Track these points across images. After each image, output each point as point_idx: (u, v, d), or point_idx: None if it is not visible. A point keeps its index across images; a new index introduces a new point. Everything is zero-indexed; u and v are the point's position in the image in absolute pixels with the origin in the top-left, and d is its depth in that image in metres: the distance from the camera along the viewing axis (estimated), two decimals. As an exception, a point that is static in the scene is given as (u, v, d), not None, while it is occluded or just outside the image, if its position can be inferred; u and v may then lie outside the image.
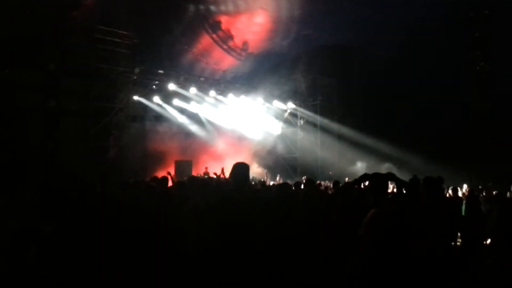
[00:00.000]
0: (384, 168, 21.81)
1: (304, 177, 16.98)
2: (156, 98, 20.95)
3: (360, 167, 23.72)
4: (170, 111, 21.75)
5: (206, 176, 16.63)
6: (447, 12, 17.17)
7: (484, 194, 12.48)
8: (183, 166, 20.71)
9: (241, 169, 4.53)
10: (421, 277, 3.84)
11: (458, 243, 7.15)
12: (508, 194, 12.00)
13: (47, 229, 4.17)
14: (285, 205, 5.97)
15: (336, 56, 22.71)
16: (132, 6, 16.94)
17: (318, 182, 14.49)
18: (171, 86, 20.35)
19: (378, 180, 4.46)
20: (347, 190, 5.89)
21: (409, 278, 3.66)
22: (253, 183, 14.27)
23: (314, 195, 6.72)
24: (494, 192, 11.63)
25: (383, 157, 22.54)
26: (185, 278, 4.79)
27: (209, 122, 23.28)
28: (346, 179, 18.94)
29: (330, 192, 10.80)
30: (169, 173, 9.95)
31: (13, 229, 3.91)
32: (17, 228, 3.90)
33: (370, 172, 4.92)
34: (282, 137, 25.66)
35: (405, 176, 5.54)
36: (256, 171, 21.98)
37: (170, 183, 9.01)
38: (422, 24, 17.61)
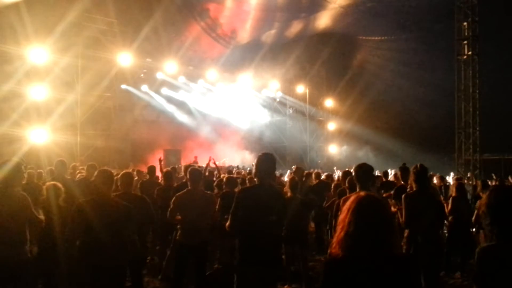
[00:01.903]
0: (362, 152, 22.12)
1: (293, 166, 16.98)
2: (144, 87, 20.77)
3: (339, 151, 24.13)
4: (158, 100, 21.59)
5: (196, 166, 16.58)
6: (436, 0, 17.26)
7: (470, 182, 12.65)
8: (172, 155, 20.64)
9: (264, 162, 4.01)
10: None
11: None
12: (492, 182, 12.17)
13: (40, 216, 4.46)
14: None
15: (325, 44, 22.68)
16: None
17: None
18: (160, 75, 20.16)
19: (360, 168, 4.48)
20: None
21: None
22: (240, 171, 14.33)
23: (297, 182, 6.72)
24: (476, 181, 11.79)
25: (364, 142, 22.80)
26: None
27: (197, 110, 23.16)
28: (335, 168, 19.07)
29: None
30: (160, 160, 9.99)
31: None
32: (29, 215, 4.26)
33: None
34: (271, 125, 25.65)
35: (380, 160, 5.61)
36: (244, 159, 21.98)
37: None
38: (412, 13, 17.68)
